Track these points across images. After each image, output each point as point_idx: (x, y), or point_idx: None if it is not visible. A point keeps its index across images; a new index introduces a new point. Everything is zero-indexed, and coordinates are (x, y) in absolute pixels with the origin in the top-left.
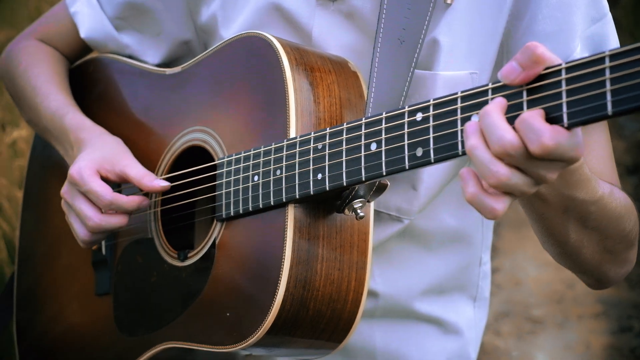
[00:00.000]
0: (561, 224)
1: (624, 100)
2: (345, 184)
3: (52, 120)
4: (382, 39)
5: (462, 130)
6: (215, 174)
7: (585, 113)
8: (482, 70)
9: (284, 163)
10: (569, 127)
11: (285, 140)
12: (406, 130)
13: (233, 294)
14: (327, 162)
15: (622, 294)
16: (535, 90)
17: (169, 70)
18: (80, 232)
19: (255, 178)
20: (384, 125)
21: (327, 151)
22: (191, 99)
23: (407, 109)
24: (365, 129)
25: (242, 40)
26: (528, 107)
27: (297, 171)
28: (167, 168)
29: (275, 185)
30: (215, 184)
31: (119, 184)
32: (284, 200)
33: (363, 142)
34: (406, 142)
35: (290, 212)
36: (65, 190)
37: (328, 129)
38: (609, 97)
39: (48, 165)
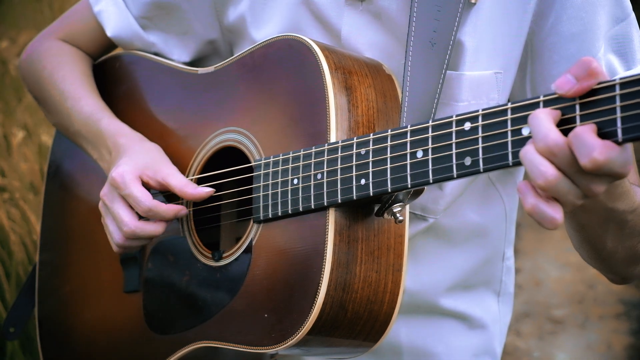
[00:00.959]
0: (601, 233)
1: None
2: (390, 190)
3: (86, 124)
4: (414, 42)
5: (512, 142)
6: (252, 176)
7: None
8: (507, 70)
9: (325, 168)
10: (622, 143)
11: (326, 145)
12: (454, 139)
13: (271, 295)
14: (370, 169)
15: None
16: (589, 105)
17: (201, 70)
18: (115, 235)
19: (295, 181)
20: (430, 134)
21: (370, 157)
22: (225, 100)
23: (454, 118)
24: (410, 137)
25: (279, 43)
26: (581, 121)
27: (339, 176)
28: (200, 168)
29: (316, 189)
30: (252, 187)
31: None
32: (325, 204)
33: (409, 150)
34: (454, 151)
35: (331, 215)
36: (105, 192)
37: (372, 134)
38: None
39: (71, 167)
